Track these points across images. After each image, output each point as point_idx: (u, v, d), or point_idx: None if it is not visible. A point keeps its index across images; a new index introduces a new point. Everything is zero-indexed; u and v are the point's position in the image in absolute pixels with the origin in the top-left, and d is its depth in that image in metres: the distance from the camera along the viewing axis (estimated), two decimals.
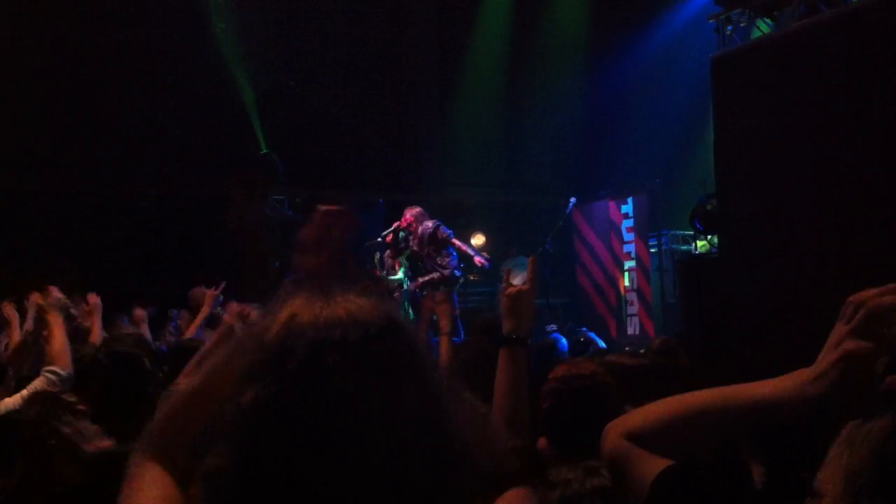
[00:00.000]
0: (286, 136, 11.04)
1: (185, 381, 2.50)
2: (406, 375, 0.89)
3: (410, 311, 8.66)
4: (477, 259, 8.33)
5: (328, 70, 11.56)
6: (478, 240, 11.57)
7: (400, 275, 8.96)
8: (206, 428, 0.89)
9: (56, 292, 3.42)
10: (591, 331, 7.96)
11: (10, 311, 4.15)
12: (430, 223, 8.30)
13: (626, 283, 11.22)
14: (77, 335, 4.19)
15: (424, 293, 8.49)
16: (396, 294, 8.82)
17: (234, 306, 3.55)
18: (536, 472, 1.70)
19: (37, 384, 3.04)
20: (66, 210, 10.01)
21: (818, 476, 1.01)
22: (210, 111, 10.82)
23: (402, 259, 8.94)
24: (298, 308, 0.91)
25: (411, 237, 8.44)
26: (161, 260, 9.58)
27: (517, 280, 2.35)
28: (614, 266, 11.48)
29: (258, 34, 11.10)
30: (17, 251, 8.79)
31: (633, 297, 11.10)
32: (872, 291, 1.04)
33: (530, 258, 2.45)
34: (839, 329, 1.06)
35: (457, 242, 8.24)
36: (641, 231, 11.02)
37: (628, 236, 11.26)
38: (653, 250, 10.79)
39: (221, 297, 4.83)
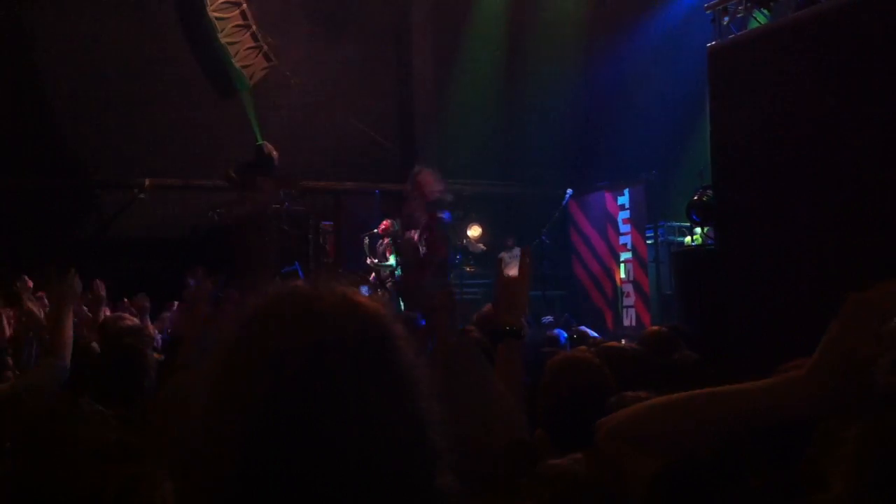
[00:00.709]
0: (282, 127, 11.01)
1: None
2: (396, 374, 0.88)
3: (402, 301, 8.68)
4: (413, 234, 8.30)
5: (325, 60, 11.52)
6: (474, 231, 11.57)
7: (391, 261, 8.98)
8: (205, 427, 0.89)
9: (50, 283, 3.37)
10: (585, 323, 7.96)
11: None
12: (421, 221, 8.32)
13: (623, 274, 11.23)
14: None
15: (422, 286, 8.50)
16: (389, 283, 8.84)
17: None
18: (530, 467, 1.70)
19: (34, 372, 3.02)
20: (63, 202, 9.99)
21: (823, 470, 1.00)
22: (204, 101, 10.81)
23: (394, 246, 8.99)
24: (289, 306, 0.90)
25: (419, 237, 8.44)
26: (160, 252, 9.56)
27: (512, 270, 2.36)
28: (611, 257, 11.49)
29: (253, 24, 11.06)
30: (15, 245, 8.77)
31: (629, 288, 11.11)
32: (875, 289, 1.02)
33: (522, 249, 2.46)
34: (836, 326, 1.04)
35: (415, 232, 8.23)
36: (638, 222, 11.02)
37: (625, 228, 11.26)
38: (649, 242, 10.79)
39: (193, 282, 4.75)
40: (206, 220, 9.93)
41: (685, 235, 9.90)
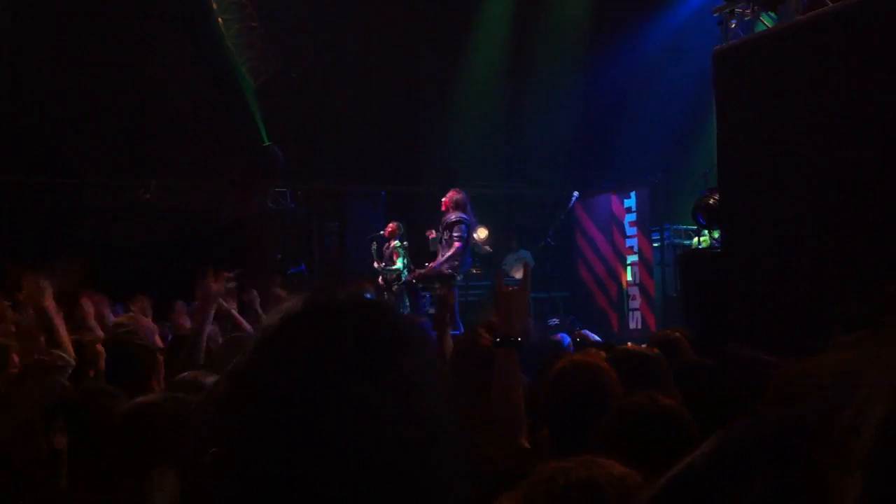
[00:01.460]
0: (288, 129, 11.04)
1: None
2: (403, 376, 0.88)
3: (408, 303, 8.68)
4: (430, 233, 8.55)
5: (330, 62, 11.54)
6: (481, 233, 11.56)
7: (398, 265, 8.98)
8: (202, 428, 0.89)
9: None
10: (590, 326, 7.96)
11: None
12: (454, 215, 8.37)
13: (629, 277, 11.22)
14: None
15: (421, 285, 8.52)
16: (395, 287, 8.84)
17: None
18: (530, 469, 1.70)
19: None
20: (69, 201, 10.02)
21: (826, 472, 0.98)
22: (211, 102, 10.83)
23: (400, 249, 8.98)
24: (299, 309, 0.90)
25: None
26: (164, 251, 9.59)
27: (516, 273, 2.40)
28: (616, 260, 11.47)
29: (260, 26, 11.10)
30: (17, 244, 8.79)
31: (635, 291, 11.10)
32: None
33: (523, 263, 2.56)
34: None
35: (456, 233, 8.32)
36: (644, 225, 11.01)
37: (631, 230, 11.25)
38: (655, 244, 10.77)
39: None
40: (211, 221, 9.96)
41: (691, 238, 9.89)
